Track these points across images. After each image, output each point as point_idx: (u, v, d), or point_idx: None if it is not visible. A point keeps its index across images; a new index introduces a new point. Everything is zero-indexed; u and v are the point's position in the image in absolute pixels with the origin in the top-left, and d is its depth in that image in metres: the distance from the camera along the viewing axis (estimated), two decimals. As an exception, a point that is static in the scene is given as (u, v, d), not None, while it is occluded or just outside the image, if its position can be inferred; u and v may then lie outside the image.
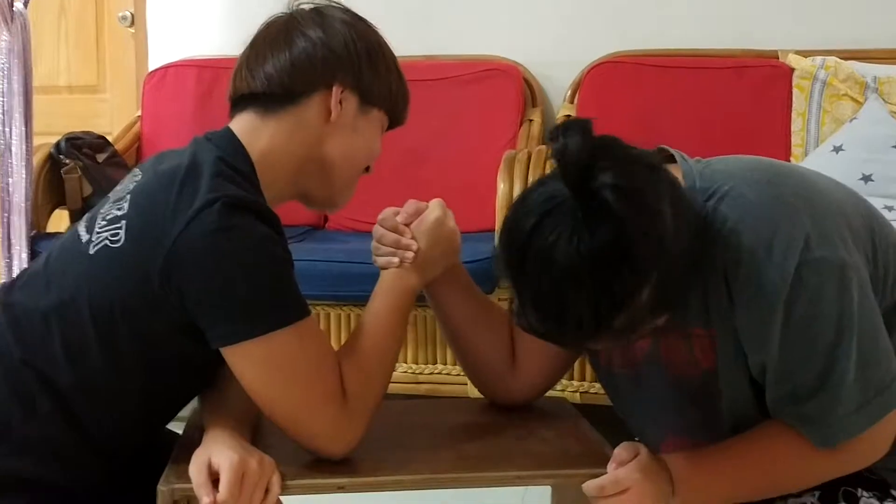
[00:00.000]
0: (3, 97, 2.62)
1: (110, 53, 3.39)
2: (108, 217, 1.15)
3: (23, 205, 2.57)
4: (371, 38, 1.24)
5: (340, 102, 1.19)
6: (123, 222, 1.12)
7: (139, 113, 3.10)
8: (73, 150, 2.67)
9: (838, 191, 1.13)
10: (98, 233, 1.14)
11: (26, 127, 2.62)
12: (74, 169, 2.62)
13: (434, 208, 1.23)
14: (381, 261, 1.21)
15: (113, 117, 3.32)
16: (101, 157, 2.74)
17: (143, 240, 1.09)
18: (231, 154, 1.15)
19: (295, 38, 1.20)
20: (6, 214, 2.57)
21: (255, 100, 1.20)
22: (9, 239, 2.56)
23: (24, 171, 2.59)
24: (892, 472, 1.12)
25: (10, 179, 2.58)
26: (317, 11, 1.23)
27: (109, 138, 2.92)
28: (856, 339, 1.03)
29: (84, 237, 1.16)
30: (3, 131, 2.61)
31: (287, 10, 1.24)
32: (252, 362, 1.09)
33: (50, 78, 3.32)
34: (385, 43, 1.26)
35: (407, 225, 1.21)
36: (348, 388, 1.12)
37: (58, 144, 2.68)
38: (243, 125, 1.20)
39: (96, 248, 1.13)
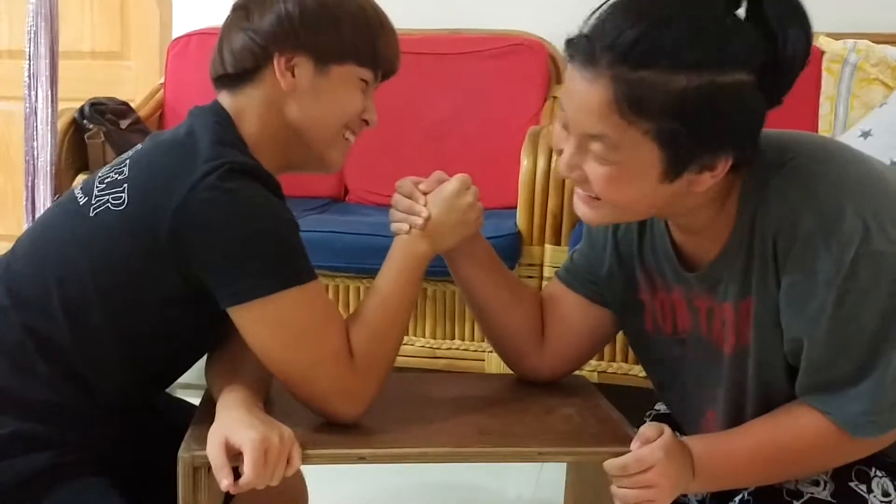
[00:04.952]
0: (29, 60, 2.62)
1: (135, 20, 3.38)
2: (107, 180, 1.17)
3: (47, 168, 2.58)
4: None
5: (292, 71, 1.19)
6: (126, 185, 1.13)
7: (162, 80, 3.10)
8: (96, 116, 2.67)
9: None
10: (98, 196, 1.15)
11: (52, 90, 2.63)
12: (98, 134, 2.62)
13: (454, 180, 1.24)
14: (393, 226, 1.23)
15: (136, 84, 3.31)
16: (124, 124, 2.74)
17: (147, 202, 1.10)
18: (225, 122, 1.18)
19: (237, 21, 1.22)
20: (31, 178, 2.58)
21: (223, 81, 1.23)
22: (33, 202, 2.58)
23: (48, 135, 2.60)
24: None
25: (36, 143, 2.59)
26: None
27: (132, 105, 2.92)
28: None
29: (81, 199, 1.18)
30: (29, 94, 2.62)
31: None
32: (260, 322, 1.10)
33: (74, 44, 3.31)
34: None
35: (425, 194, 1.22)
36: (356, 348, 1.14)
37: (82, 109, 2.68)
38: (225, 103, 1.23)
39: (97, 211, 1.14)
